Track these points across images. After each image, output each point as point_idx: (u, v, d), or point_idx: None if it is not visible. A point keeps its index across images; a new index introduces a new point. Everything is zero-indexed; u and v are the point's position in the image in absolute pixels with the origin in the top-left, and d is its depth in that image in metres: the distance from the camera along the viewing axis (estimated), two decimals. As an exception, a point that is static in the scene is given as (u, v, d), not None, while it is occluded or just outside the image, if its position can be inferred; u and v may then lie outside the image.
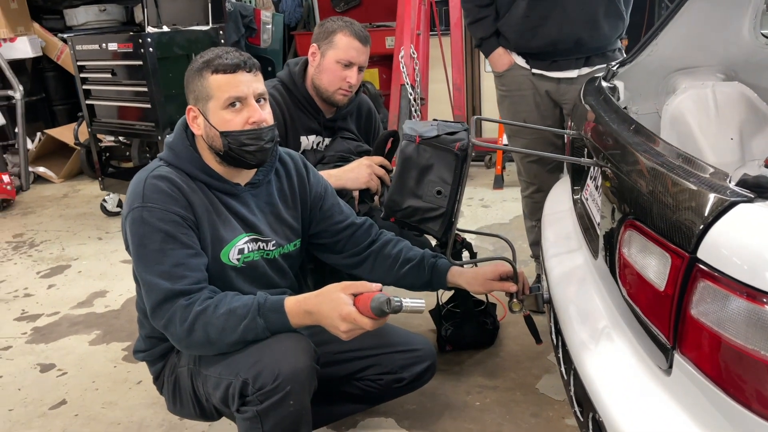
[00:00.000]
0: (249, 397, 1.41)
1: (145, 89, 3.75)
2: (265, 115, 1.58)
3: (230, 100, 1.54)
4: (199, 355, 1.53)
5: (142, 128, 3.94)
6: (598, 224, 1.47)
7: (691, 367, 0.99)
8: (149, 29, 4.16)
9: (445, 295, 2.48)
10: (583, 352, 1.28)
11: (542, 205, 2.44)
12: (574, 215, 1.82)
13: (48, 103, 5.91)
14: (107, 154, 5.02)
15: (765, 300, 0.85)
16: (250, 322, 1.42)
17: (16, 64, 5.33)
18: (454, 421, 2.05)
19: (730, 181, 0.97)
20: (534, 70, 2.35)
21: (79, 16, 5.78)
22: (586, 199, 1.67)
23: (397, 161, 1.63)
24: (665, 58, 2.15)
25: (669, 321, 1.02)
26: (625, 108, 2.00)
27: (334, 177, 2.10)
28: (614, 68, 2.07)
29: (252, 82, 1.56)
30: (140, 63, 3.67)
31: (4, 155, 5.14)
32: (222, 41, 3.99)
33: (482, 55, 4.77)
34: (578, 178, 1.82)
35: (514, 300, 1.68)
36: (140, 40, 3.61)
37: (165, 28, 4.12)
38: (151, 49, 3.62)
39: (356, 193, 2.16)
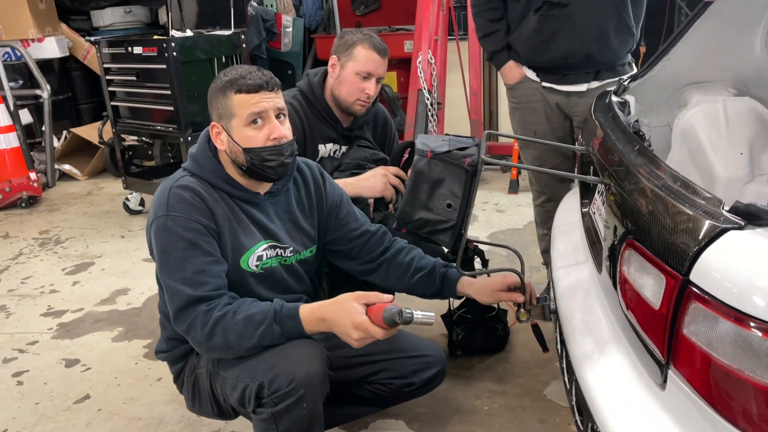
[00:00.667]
0: (265, 399, 1.48)
1: (169, 92, 3.84)
2: (284, 130, 1.65)
3: (252, 117, 1.61)
4: (218, 358, 1.61)
5: (165, 130, 4.04)
6: (604, 239, 1.52)
7: (684, 383, 1.04)
8: (173, 32, 4.26)
9: (457, 301, 2.53)
10: (584, 364, 1.33)
11: (553, 214, 2.49)
12: (581, 227, 1.87)
13: (74, 102, 6.05)
14: (130, 153, 5.14)
15: (751, 324, 0.90)
16: (266, 328, 1.49)
17: (44, 64, 5.47)
18: (463, 425, 2.11)
19: (723, 208, 1.02)
20: (544, 84, 2.39)
21: (105, 17, 5.91)
22: (593, 213, 1.72)
23: (409, 175, 1.69)
24: (677, 73, 2.18)
25: (663, 338, 1.07)
26: (636, 121, 2.04)
27: (351, 185, 2.17)
28: (625, 83, 2.11)
29: (273, 99, 1.63)
30: (164, 66, 3.77)
31: (31, 153, 5.28)
32: (243, 45, 4.07)
33: (500, 60, 4.82)
34: (587, 191, 1.87)
35: (522, 310, 1.73)
36: (164, 45, 3.71)
37: (188, 31, 4.21)
38: (175, 53, 3.72)
39: (371, 201, 2.23)
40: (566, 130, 2.47)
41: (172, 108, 3.87)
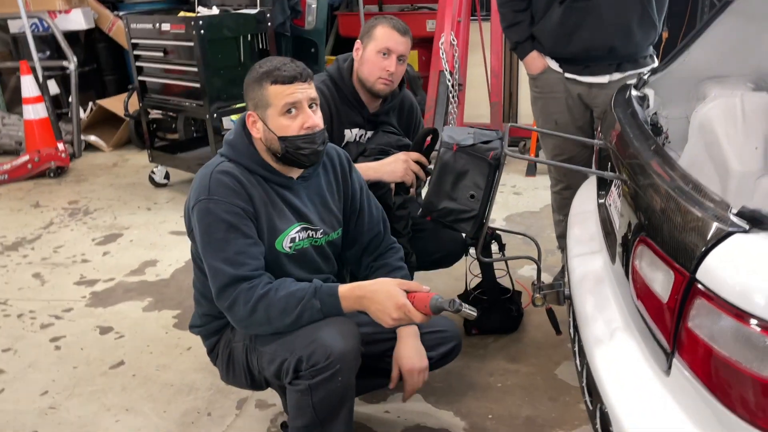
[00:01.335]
0: (302, 372, 1.60)
1: (195, 69, 3.93)
2: (317, 120, 1.74)
3: (287, 107, 1.70)
4: (251, 333, 1.72)
5: (190, 105, 4.14)
6: (618, 232, 1.61)
7: (687, 371, 1.13)
8: (200, 9, 4.32)
9: (473, 282, 2.64)
10: (595, 348, 1.43)
11: (570, 201, 2.57)
12: (597, 218, 1.95)
13: (99, 74, 6.14)
14: (154, 126, 5.26)
15: (751, 321, 0.99)
16: (307, 302, 1.61)
17: (70, 36, 5.55)
18: (477, 400, 2.22)
19: (730, 212, 1.11)
20: (567, 75, 2.46)
21: (131, -10, 5.98)
22: (610, 205, 1.81)
23: (435, 166, 1.78)
24: (697, 67, 2.23)
25: (670, 329, 1.16)
26: (655, 113, 2.11)
27: (372, 169, 2.25)
28: (645, 77, 2.17)
29: (306, 90, 1.72)
30: (191, 44, 3.85)
31: (59, 123, 5.41)
32: (269, 24, 4.14)
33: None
34: (604, 183, 1.95)
35: (537, 295, 1.83)
36: (192, 23, 3.79)
37: (214, 8, 4.28)
38: (202, 31, 3.79)
39: (393, 185, 2.31)
40: (587, 120, 2.54)
41: (198, 84, 3.96)
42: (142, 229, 3.93)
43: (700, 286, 1.07)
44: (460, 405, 2.20)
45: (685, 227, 1.15)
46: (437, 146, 1.84)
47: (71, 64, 5.39)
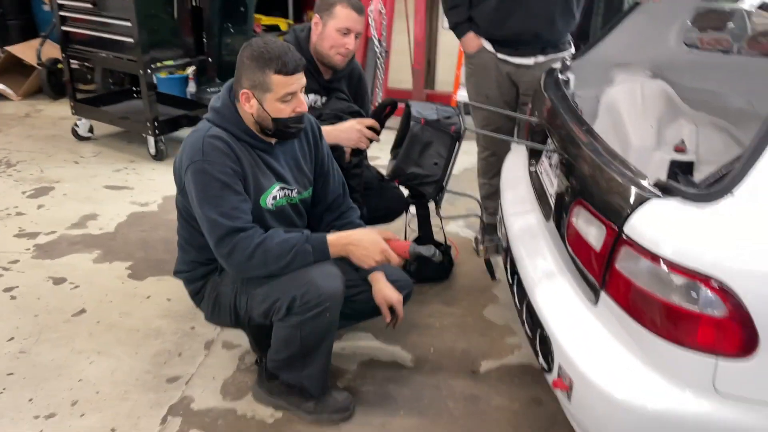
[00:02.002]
0: (295, 310, 1.86)
1: (128, 23, 3.93)
2: (305, 103, 1.97)
3: (286, 96, 1.91)
4: (248, 278, 1.96)
5: (121, 60, 4.13)
6: (551, 195, 1.98)
7: (611, 301, 1.51)
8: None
9: (410, 237, 2.97)
10: (535, 287, 1.80)
11: (494, 167, 2.95)
12: (528, 182, 2.33)
13: (2, 18, 5.83)
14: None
15: (660, 262, 1.37)
16: (300, 247, 1.87)
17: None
18: (420, 337, 2.58)
19: (648, 183, 1.48)
20: (499, 55, 2.79)
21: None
22: (541, 173, 2.17)
23: (406, 137, 2.06)
24: (608, 56, 2.64)
25: (600, 270, 1.54)
26: (573, 94, 2.49)
27: (330, 134, 2.50)
28: (568, 63, 2.54)
29: (301, 80, 1.93)
30: (125, -1, 3.85)
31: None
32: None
33: (440, 11, 5.17)
34: (534, 153, 2.32)
35: (481, 246, 2.18)
36: (126, -24, 3.78)
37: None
38: (137, -15, 3.80)
39: (348, 149, 2.58)
40: (513, 96, 2.90)
41: (131, 39, 3.97)
42: (73, 182, 3.94)
43: (626, 237, 1.44)
44: (405, 342, 2.54)
45: (615, 194, 1.51)
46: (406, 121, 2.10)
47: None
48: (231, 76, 3.47)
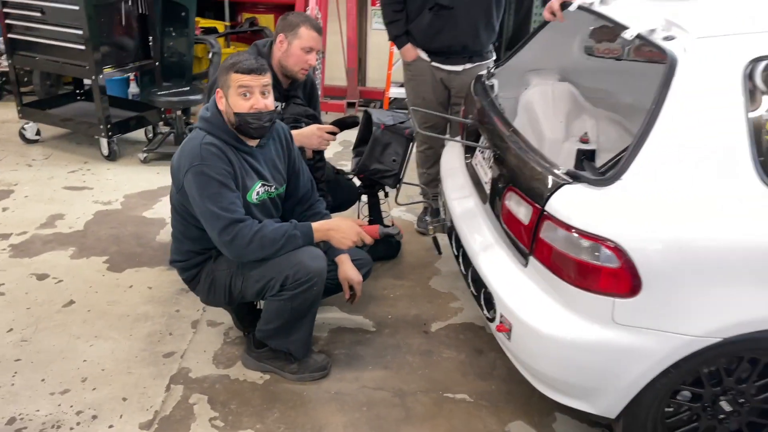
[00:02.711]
0: (288, 286, 2.26)
1: (79, 31, 4.13)
2: (266, 103, 2.34)
3: (242, 91, 2.28)
4: (244, 261, 2.33)
5: (72, 66, 4.32)
6: (485, 183, 2.46)
7: (537, 263, 2.00)
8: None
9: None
10: (478, 255, 2.28)
11: (431, 158, 3.43)
12: (465, 172, 2.80)
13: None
14: (3, 79, 5.23)
15: (572, 230, 1.86)
16: (290, 233, 2.26)
17: None
18: (378, 307, 3.02)
19: (561, 172, 1.97)
20: (433, 63, 3.26)
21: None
22: (476, 165, 2.65)
23: (370, 140, 2.48)
24: (524, 63, 3.15)
25: (529, 239, 2.02)
26: (496, 96, 2.98)
27: (297, 140, 2.88)
28: (492, 71, 3.03)
29: (259, 80, 2.30)
30: (76, 8, 4.04)
31: None
32: (147, -10, 4.43)
33: (370, 13, 5.61)
34: (468, 148, 2.79)
35: (430, 226, 2.64)
36: (78, -13, 3.98)
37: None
38: (88, -4, 4.01)
39: (309, 151, 2.97)
40: (445, 97, 3.38)
41: (82, 47, 4.17)
42: (32, 185, 4.12)
43: (547, 214, 1.93)
44: (366, 311, 2.98)
45: (538, 181, 2.00)
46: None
47: None
48: (175, 77, 3.89)
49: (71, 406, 2.36)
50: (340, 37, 5.36)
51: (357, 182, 3.27)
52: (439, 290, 3.17)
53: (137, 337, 2.76)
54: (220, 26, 5.66)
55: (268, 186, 2.46)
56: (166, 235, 3.56)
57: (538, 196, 1.98)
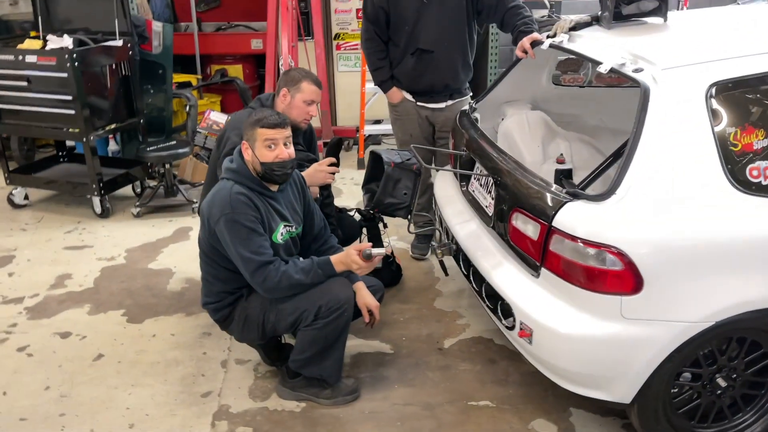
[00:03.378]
0: (321, 315, 2.48)
1: (67, 97, 4.28)
2: (289, 152, 2.59)
3: (268, 143, 2.53)
4: (275, 297, 2.54)
5: (61, 131, 4.46)
6: (487, 206, 2.74)
7: (549, 272, 2.28)
8: (50, 37, 4.59)
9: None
10: (491, 272, 2.55)
11: (422, 189, 3.68)
12: (462, 199, 3.08)
13: None
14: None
15: (578, 240, 2.15)
16: (314, 272, 2.50)
17: None
18: (390, 330, 3.25)
19: (562, 192, 2.27)
20: (418, 103, 3.57)
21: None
22: (473, 191, 2.94)
23: (383, 178, 2.75)
24: (500, 96, 3.48)
25: (539, 253, 2.30)
26: (479, 124, 3.27)
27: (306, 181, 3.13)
28: (474, 105, 3.35)
29: (283, 133, 2.56)
30: (64, 75, 4.21)
31: None
32: (130, 53, 4.62)
33: (336, 57, 5.93)
34: (464, 177, 3.08)
35: (438, 250, 2.90)
36: (66, 56, 4.15)
37: (66, 38, 4.58)
38: (76, 63, 4.18)
39: (316, 188, 3.21)
40: (430, 132, 3.69)
41: (72, 112, 4.32)
42: (31, 248, 4.21)
43: (555, 229, 2.22)
44: (381, 336, 3.21)
45: (542, 202, 2.29)
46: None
47: None
48: (156, 132, 4.16)
49: (126, 451, 2.50)
50: (311, 82, 5.63)
51: (357, 217, 3.53)
52: (444, 310, 3.43)
53: (172, 381, 2.91)
54: (194, 80, 5.86)
55: (289, 227, 2.69)
56: (176, 284, 3.72)
57: (544, 214, 2.27)
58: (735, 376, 2.33)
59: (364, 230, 3.56)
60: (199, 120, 5.39)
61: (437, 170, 3.22)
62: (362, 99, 5.39)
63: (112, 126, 4.63)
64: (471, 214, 2.95)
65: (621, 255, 2.10)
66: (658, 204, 2.13)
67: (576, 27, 2.89)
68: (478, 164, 2.90)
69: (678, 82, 2.23)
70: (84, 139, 4.38)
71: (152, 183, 5.04)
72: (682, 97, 2.21)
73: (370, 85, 5.33)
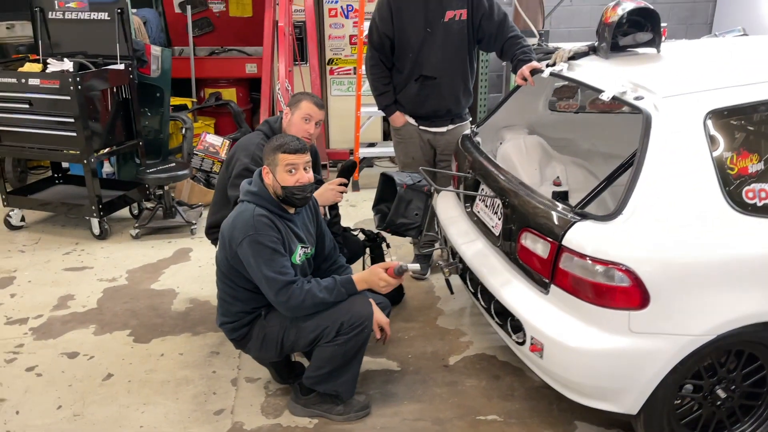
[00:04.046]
0: (343, 331, 2.55)
1: (70, 119, 4.33)
2: (309, 177, 2.68)
3: (288, 168, 2.62)
4: (297, 315, 2.60)
5: (62, 153, 4.50)
6: (493, 227, 2.85)
7: (558, 289, 2.39)
8: (50, 61, 4.65)
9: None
10: (500, 289, 2.65)
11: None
12: (467, 219, 3.20)
13: None
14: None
15: (586, 258, 2.27)
16: (338, 290, 2.57)
17: None
18: (396, 348, 3.33)
19: (571, 212, 2.39)
20: (420, 127, 3.69)
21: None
22: (479, 212, 3.05)
23: (395, 199, 2.85)
24: (500, 121, 3.62)
25: (549, 270, 2.42)
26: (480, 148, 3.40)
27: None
28: (476, 130, 3.48)
29: (303, 158, 2.65)
30: (68, 98, 4.26)
31: None
32: (131, 77, 4.69)
33: (329, 82, 6.05)
34: (468, 198, 3.20)
35: (445, 269, 3.00)
36: (70, 79, 4.21)
37: (66, 61, 4.64)
38: (80, 86, 4.24)
39: (324, 207, 3.30)
40: (432, 155, 3.81)
41: (73, 134, 4.37)
42: (31, 270, 4.22)
43: (564, 247, 2.33)
44: (387, 353, 3.28)
45: (551, 222, 2.41)
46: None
47: None
48: (154, 154, 4.27)
49: (144, 469, 2.53)
50: (306, 106, 5.74)
51: (361, 236, 3.63)
52: (447, 328, 3.51)
53: (184, 399, 2.94)
54: (189, 102, 5.94)
55: (305, 248, 2.77)
56: (180, 304, 3.76)
57: (553, 234, 2.39)
58: (734, 387, 2.45)
59: (368, 250, 3.65)
60: (194, 142, 5.47)
61: (447, 191, 3.33)
62: (357, 122, 5.50)
63: (112, 148, 4.67)
64: (476, 234, 3.06)
65: (629, 272, 2.21)
66: (662, 223, 2.26)
67: (575, 56, 3.04)
68: (483, 185, 3.01)
69: (678, 109, 2.38)
70: (84, 161, 4.41)
71: (149, 204, 5.08)
72: (682, 123, 2.35)
73: (365, 109, 5.47)
